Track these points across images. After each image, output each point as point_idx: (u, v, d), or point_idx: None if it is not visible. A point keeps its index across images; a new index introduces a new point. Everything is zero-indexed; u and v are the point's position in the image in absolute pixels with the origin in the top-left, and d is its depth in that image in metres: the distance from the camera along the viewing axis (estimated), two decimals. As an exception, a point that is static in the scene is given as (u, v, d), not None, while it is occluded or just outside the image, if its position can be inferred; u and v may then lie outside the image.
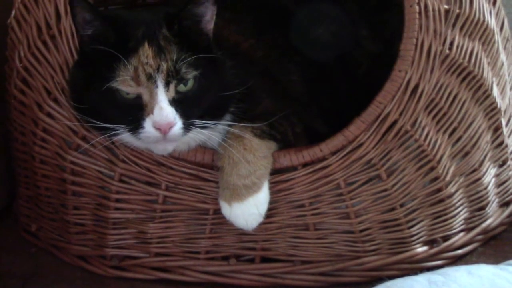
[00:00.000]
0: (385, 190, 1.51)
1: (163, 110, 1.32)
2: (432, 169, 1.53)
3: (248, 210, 1.44)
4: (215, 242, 1.54)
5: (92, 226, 1.57)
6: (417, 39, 1.45)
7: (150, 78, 1.32)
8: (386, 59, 1.51)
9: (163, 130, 1.32)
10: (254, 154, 1.43)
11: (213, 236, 1.53)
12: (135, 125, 1.34)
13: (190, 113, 1.35)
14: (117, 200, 1.54)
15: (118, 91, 1.33)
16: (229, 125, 1.45)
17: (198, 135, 1.40)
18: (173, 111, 1.33)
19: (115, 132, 1.35)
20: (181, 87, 1.35)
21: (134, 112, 1.34)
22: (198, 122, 1.36)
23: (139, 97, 1.34)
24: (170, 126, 1.32)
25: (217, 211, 1.49)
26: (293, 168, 1.49)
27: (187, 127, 1.35)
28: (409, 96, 1.47)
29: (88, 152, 1.51)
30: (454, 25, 1.49)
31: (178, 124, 1.33)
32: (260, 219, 1.45)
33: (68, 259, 1.62)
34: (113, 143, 1.47)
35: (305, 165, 1.49)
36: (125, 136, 1.38)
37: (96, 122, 1.36)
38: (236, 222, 1.45)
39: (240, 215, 1.44)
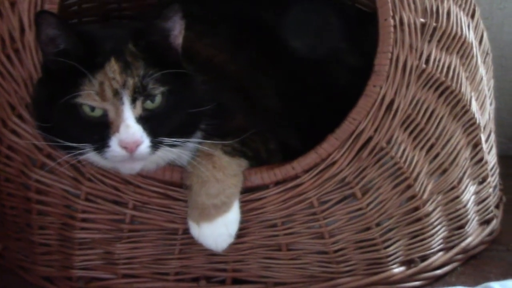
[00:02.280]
0: (360, 209, 1.46)
1: (130, 128, 1.27)
2: (409, 187, 1.48)
3: (218, 231, 1.39)
4: (185, 263, 1.48)
5: (58, 246, 1.52)
6: (392, 53, 1.41)
7: (116, 94, 1.28)
8: (366, 73, 1.46)
9: (130, 148, 1.27)
10: (224, 172, 1.38)
11: (182, 257, 1.48)
12: (101, 144, 1.29)
13: (158, 131, 1.30)
14: (83, 220, 1.48)
15: (82, 107, 1.28)
16: (200, 143, 1.40)
17: (167, 154, 1.36)
18: (140, 129, 1.28)
19: (80, 151, 1.30)
20: (148, 104, 1.30)
21: (100, 131, 1.29)
22: (166, 140, 1.31)
23: (104, 115, 1.29)
24: (137, 144, 1.28)
25: (187, 231, 1.44)
26: (265, 187, 1.44)
27: (155, 146, 1.30)
28: (384, 112, 1.42)
29: (53, 171, 1.46)
30: (430, 39, 1.45)
31: (146, 143, 1.29)
32: (230, 239, 1.40)
33: (34, 280, 1.56)
34: (79, 161, 1.41)
35: (277, 183, 1.44)
36: (91, 156, 1.32)
37: (61, 141, 1.31)
38: (205, 242, 1.40)
39: (209, 235, 1.39)
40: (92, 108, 1.29)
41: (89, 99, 1.28)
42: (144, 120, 1.29)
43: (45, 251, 1.54)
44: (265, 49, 1.64)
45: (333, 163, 1.43)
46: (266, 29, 1.66)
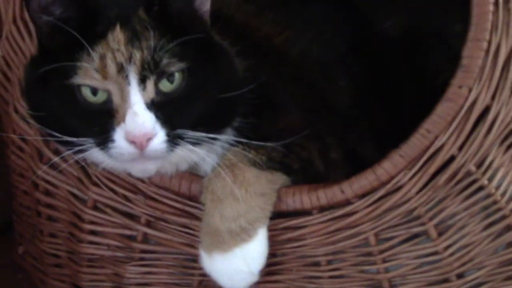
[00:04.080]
0: (435, 253, 1.09)
1: (138, 116, 0.98)
2: (509, 228, 1.07)
3: (234, 265, 1.07)
4: (205, 298, 1.18)
5: (67, 259, 1.27)
6: (489, 42, 1.01)
7: (121, 70, 0.99)
8: None
9: (139, 143, 0.98)
10: (247, 190, 1.05)
11: (202, 290, 1.18)
12: (104, 138, 1.00)
13: (177, 121, 1.00)
14: (91, 232, 1.22)
15: (81, 90, 1.00)
16: (231, 144, 1.08)
17: (189, 154, 1.04)
18: (152, 118, 0.98)
19: (80, 147, 1.02)
20: (164, 85, 1.00)
21: (102, 121, 1.00)
22: (188, 134, 1.00)
23: (108, 100, 1.00)
24: (148, 138, 0.98)
25: None
26: (307, 213, 1.09)
27: (172, 141, 1.00)
28: (474, 123, 1.03)
29: (61, 169, 1.19)
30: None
31: (160, 136, 0.99)
32: (250, 278, 1.07)
33: (47, 294, 1.33)
34: (85, 160, 1.14)
35: (322, 209, 1.09)
36: (94, 153, 1.04)
37: (56, 134, 1.03)
38: (218, 279, 1.08)
39: (223, 270, 1.07)
40: (94, 92, 1.01)
41: (87, 78, 1.00)
42: (158, 106, 1.00)
43: (56, 263, 1.29)
44: (342, 31, 1.27)
45: (397, 190, 1.06)
46: (345, 5, 1.29)
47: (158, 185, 1.14)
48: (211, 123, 1.03)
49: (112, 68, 0.99)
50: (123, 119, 0.98)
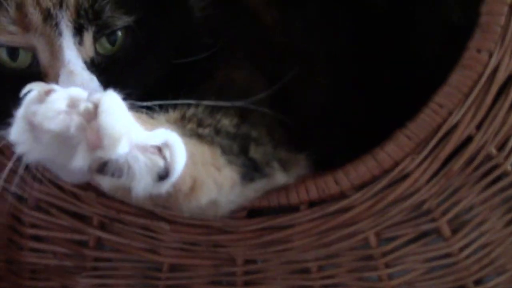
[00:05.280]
0: (449, 255, 0.91)
1: (75, 76, 0.78)
2: (537, 224, 0.89)
3: None
4: (171, 314, 0.99)
5: (5, 270, 1.06)
6: (514, -4, 0.83)
7: (49, 18, 0.79)
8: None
9: None
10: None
11: (168, 304, 0.98)
12: None
13: (121, 82, 0.80)
14: (33, 237, 1.02)
15: None
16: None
17: None
18: (93, 79, 0.79)
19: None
20: (104, 46, 0.81)
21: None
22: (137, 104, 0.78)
23: (33, 63, 0.80)
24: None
25: (175, 267, 0.95)
26: (292, 209, 0.90)
27: None
28: (495, 95, 0.84)
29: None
30: None
31: None
32: None
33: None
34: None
35: (311, 204, 0.90)
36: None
37: None
38: None
39: None
40: (12, 54, 0.80)
41: (3, 34, 0.79)
42: (100, 68, 0.81)
43: (-8, 275, 1.09)
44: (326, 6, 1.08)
45: (404, 178, 0.87)
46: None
47: (112, 178, 0.94)
48: (162, 92, 0.83)
49: (35, 15, 0.79)
50: (55, 80, 0.78)
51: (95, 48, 0.81)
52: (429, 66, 0.98)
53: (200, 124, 0.80)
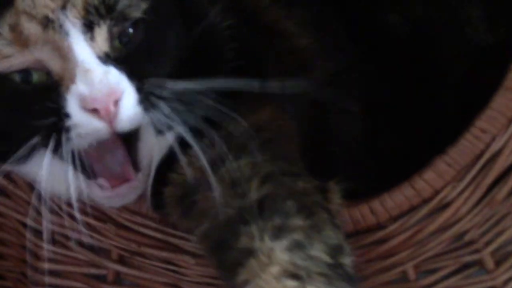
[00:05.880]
0: (493, 288, 0.86)
1: (92, 72, 0.72)
2: None
3: None
4: None
5: (19, 308, 1.03)
6: None
7: (50, 24, 0.73)
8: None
9: (104, 109, 0.72)
10: None
11: None
12: (54, 125, 0.73)
13: (146, 69, 0.76)
14: (51, 273, 0.97)
15: (12, 77, 0.74)
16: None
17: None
18: (112, 69, 0.73)
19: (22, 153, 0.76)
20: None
21: (46, 107, 0.74)
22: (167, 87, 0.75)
23: (47, 77, 0.74)
24: (115, 98, 0.72)
25: None
26: (325, 240, 0.86)
27: (148, 100, 0.74)
28: (544, 118, 0.81)
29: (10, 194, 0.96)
30: None
31: (130, 93, 0.73)
32: None
33: None
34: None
35: (346, 236, 0.85)
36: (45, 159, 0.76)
37: None
38: None
39: None
40: (25, 75, 0.74)
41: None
42: (116, 59, 0.75)
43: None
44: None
45: (444, 207, 0.84)
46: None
47: (132, 210, 0.90)
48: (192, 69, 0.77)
49: (32, 29, 0.73)
50: (72, 81, 0.72)
51: (111, 42, 0.75)
52: (458, 87, 0.94)
53: None
